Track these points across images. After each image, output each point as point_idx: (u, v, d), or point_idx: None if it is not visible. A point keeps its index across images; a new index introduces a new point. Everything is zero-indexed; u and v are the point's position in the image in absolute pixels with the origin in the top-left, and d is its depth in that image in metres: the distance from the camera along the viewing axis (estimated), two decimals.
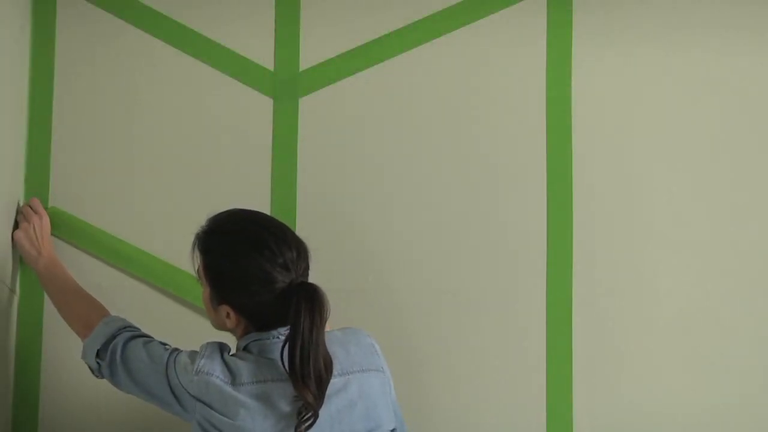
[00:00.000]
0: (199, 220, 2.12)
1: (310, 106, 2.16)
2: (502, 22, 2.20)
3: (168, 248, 2.10)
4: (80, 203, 2.10)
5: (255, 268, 1.60)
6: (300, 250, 1.64)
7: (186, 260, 2.07)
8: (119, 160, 2.12)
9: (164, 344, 1.74)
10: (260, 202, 2.12)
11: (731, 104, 2.21)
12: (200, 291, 2.07)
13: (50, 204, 2.09)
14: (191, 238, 2.09)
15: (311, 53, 2.17)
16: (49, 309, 2.06)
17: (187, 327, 2.08)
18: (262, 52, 2.16)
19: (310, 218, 2.13)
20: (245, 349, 1.66)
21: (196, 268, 1.72)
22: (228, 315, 1.66)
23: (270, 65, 2.16)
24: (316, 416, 1.55)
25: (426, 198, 2.15)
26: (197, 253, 1.70)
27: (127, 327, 1.78)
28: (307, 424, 1.55)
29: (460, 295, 2.14)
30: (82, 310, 1.87)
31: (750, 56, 2.22)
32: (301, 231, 2.11)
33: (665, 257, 2.16)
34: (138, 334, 1.76)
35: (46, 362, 2.06)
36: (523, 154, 2.17)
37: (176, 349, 1.72)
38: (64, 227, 2.09)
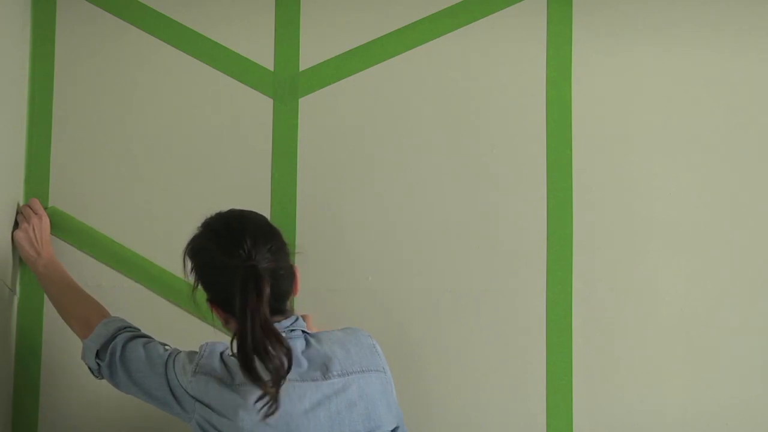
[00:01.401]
0: (198, 221, 2.12)
1: (310, 106, 2.16)
2: (502, 21, 2.20)
3: (167, 249, 2.10)
4: (80, 203, 2.10)
5: (213, 257, 1.62)
6: (257, 237, 1.62)
7: (181, 264, 2.10)
8: (119, 160, 2.12)
9: (164, 345, 1.74)
10: (260, 202, 2.12)
11: (731, 103, 2.21)
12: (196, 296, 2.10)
13: (50, 204, 2.10)
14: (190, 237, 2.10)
15: (311, 53, 2.17)
16: (49, 309, 2.06)
17: (186, 328, 2.08)
18: (262, 52, 2.16)
19: (309, 218, 2.13)
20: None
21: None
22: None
23: (270, 65, 2.16)
24: (274, 400, 1.53)
25: (426, 198, 2.15)
26: (186, 259, 1.71)
27: (127, 327, 1.78)
28: (265, 410, 1.53)
29: (460, 295, 2.14)
30: (81, 311, 1.87)
31: (750, 55, 2.22)
32: (301, 231, 2.13)
33: (665, 257, 2.16)
34: (138, 335, 1.76)
35: (46, 362, 2.07)
36: (523, 154, 2.17)
37: (176, 350, 1.72)
38: (64, 227, 2.09)
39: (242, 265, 1.58)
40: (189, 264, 1.69)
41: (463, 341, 2.12)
